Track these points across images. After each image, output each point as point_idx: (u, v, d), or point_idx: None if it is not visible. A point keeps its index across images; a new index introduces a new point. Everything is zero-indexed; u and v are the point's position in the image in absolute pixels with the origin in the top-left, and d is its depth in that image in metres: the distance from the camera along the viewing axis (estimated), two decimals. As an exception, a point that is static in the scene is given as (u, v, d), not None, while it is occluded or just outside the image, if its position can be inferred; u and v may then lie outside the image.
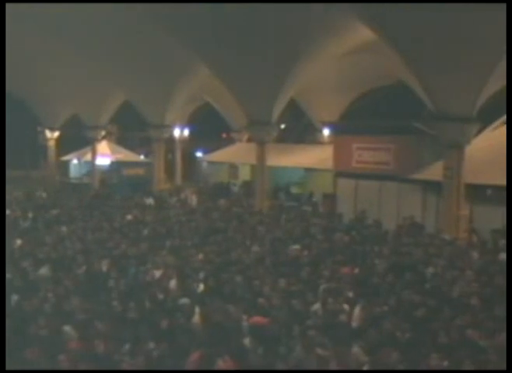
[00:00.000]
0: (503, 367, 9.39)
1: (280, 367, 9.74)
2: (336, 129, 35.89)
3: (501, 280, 14.92)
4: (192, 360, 9.92)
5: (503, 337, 10.98)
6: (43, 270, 16.19)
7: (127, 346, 10.53)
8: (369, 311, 12.69)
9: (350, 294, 14.16)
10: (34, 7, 27.49)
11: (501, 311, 12.35)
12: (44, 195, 36.53)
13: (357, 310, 12.88)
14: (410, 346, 10.36)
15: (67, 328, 11.35)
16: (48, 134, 50.49)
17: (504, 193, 23.04)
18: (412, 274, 15.62)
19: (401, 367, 9.59)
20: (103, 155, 47.42)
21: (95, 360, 9.98)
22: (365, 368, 9.90)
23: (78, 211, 28.28)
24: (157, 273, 16.06)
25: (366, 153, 29.83)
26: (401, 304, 13.24)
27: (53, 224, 24.14)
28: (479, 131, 24.87)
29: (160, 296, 14.07)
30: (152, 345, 10.53)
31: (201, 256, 18.31)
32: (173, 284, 15.18)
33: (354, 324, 12.54)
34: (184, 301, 13.49)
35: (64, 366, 9.88)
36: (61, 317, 11.95)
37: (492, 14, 19.43)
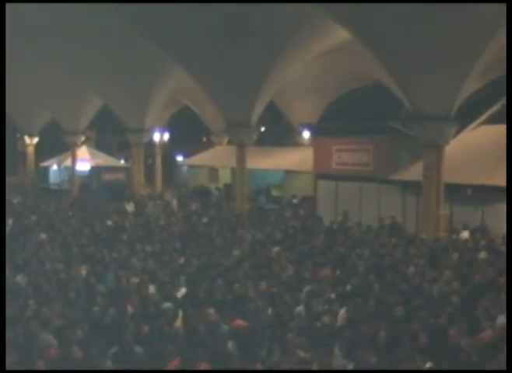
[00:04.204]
0: (484, 366, 9.41)
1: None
2: (315, 131, 35.85)
3: (481, 279, 14.99)
4: (171, 367, 9.87)
5: (483, 336, 11.03)
6: (20, 277, 16.08)
7: (109, 352, 10.47)
8: (354, 312, 12.68)
9: (332, 296, 14.16)
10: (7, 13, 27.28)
11: (480, 310, 12.41)
12: (23, 201, 36.25)
13: (342, 312, 12.86)
14: (389, 347, 10.35)
15: (46, 335, 11.25)
16: (27, 140, 50.27)
17: (483, 193, 23.16)
18: (393, 275, 15.65)
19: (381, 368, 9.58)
20: (83, 160, 47.15)
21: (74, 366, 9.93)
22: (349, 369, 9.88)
23: (57, 217, 28.08)
24: (137, 279, 15.98)
25: (345, 154, 29.90)
26: (381, 304, 13.24)
27: (32, 231, 23.95)
28: (458, 131, 24.90)
29: (140, 301, 13.98)
30: (134, 350, 10.48)
31: (182, 260, 18.25)
32: (152, 289, 15.10)
33: (338, 325, 12.51)
34: (167, 305, 13.43)
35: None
36: (40, 323, 11.85)
37: (470, 13, 19.52)
